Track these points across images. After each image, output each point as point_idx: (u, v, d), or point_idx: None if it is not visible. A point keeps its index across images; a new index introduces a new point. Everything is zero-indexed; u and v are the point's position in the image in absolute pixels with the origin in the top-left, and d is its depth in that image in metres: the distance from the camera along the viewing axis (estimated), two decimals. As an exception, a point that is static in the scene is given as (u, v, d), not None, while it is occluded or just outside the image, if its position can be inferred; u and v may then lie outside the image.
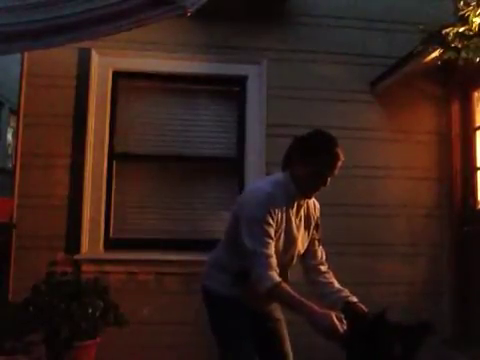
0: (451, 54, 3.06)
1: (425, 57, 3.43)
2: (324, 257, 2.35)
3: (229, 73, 4.22)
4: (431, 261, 4.18)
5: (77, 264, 3.69)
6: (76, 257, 3.78)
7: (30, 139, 3.90)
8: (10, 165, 8.09)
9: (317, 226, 2.32)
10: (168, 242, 4.01)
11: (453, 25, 3.02)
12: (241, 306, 2.19)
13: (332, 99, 4.20)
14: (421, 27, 3.25)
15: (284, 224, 2.12)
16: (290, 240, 2.17)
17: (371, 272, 4.03)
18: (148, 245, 4.00)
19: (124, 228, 4.07)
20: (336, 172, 2.11)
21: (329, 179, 2.11)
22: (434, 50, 3.26)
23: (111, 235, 3.99)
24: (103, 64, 4.04)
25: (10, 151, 9.36)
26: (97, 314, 3.29)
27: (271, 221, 2.05)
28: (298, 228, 2.20)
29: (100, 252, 3.90)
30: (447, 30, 3.03)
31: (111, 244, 3.96)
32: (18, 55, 3.98)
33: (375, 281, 4.03)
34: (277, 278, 1.99)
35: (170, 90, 4.28)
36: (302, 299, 1.99)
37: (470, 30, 2.96)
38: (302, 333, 3.52)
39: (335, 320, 1.88)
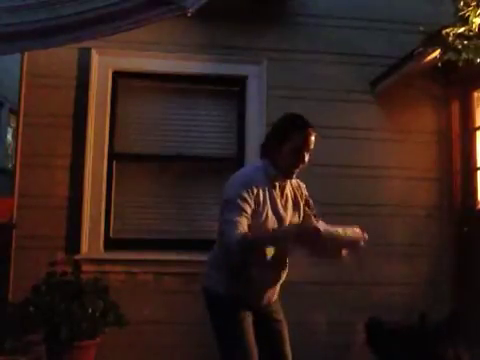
0: (451, 55, 3.06)
1: (425, 58, 3.43)
2: None
3: (229, 73, 4.22)
4: (431, 261, 4.19)
5: (77, 264, 3.69)
6: (76, 257, 3.78)
7: (30, 139, 3.90)
8: (10, 165, 8.08)
9: (308, 203, 2.36)
10: (168, 242, 4.02)
11: (453, 25, 3.02)
12: (240, 305, 2.19)
13: (332, 99, 4.20)
14: (421, 28, 3.25)
15: (269, 204, 2.17)
16: (279, 219, 2.20)
17: (371, 272, 4.04)
18: (148, 245, 4.00)
19: (124, 228, 4.07)
20: (311, 146, 2.18)
21: (306, 155, 2.18)
22: (434, 51, 3.27)
23: (111, 235, 3.99)
24: (103, 64, 4.04)
25: (10, 151, 9.34)
26: (97, 314, 3.29)
27: (247, 197, 2.08)
28: (285, 208, 2.24)
29: (100, 252, 3.90)
30: (447, 30, 3.03)
31: (111, 244, 3.96)
32: (18, 55, 3.97)
33: (375, 281, 4.04)
34: (241, 231, 1.99)
35: (170, 90, 4.28)
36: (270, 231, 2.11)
37: (470, 30, 2.96)
38: (305, 333, 3.52)
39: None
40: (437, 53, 3.25)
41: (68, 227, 3.86)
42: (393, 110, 4.28)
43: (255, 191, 2.11)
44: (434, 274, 4.17)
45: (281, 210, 2.21)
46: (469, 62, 3.04)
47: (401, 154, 4.23)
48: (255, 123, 4.14)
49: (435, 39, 3.20)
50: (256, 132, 4.11)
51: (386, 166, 4.20)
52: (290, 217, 2.26)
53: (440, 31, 3.09)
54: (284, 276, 2.29)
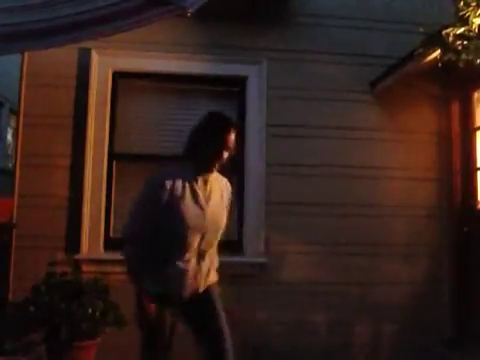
0: (451, 56, 3.06)
1: (425, 58, 3.43)
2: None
3: (229, 73, 4.22)
4: (431, 261, 4.19)
5: (77, 264, 3.69)
6: (76, 257, 3.78)
7: (30, 139, 3.90)
8: (10, 165, 8.08)
9: (228, 204, 2.46)
10: (168, 242, 4.01)
11: (453, 26, 3.02)
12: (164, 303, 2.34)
13: (332, 99, 4.20)
14: (421, 29, 3.25)
15: (189, 197, 2.27)
16: (200, 211, 2.29)
17: (371, 272, 4.04)
18: (148, 245, 3.99)
19: (124, 228, 4.06)
20: (230, 143, 2.30)
21: (225, 153, 2.29)
22: (434, 51, 3.26)
23: (111, 235, 3.99)
24: (103, 64, 4.04)
25: (10, 151, 9.35)
26: (97, 314, 3.29)
27: (152, 200, 2.24)
28: (207, 200, 2.33)
29: (100, 252, 3.90)
30: (447, 31, 3.02)
31: (111, 244, 3.95)
32: (18, 55, 3.97)
33: (375, 281, 4.04)
34: (131, 252, 2.28)
35: (170, 90, 4.28)
36: (137, 274, 2.33)
37: (470, 31, 2.95)
38: (305, 333, 3.52)
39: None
40: (437, 53, 3.25)
41: (68, 227, 3.86)
42: (393, 110, 4.28)
43: (169, 186, 2.23)
44: (434, 274, 4.17)
45: (202, 201, 2.30)
46: (469, 63, 3.03)
47: (401, 154, 4.23)
48: (255, 123, 4.14)
49: (435, 39, 3.19)
50: (256, 132, 4.12)
51: (386, 166, 4.20)
52: (215, 208, 2.34)
53: (440, 31, 3.09)
54: (205, 266, 2.35)
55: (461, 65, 3.06)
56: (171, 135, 4.21)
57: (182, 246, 2.26)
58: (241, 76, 4.22)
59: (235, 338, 2.29)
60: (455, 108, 4.23)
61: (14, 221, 3.80)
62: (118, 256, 3.86)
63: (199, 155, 2.33)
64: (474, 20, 2.92)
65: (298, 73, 4.21)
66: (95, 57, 4.02)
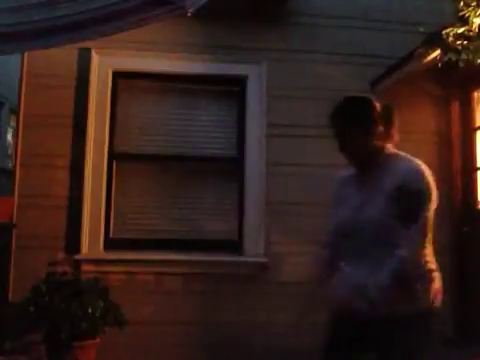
0: (452, 55, 3.06)
1: (425, 58, 3.43)
2: (401, 252, 1.88)
3: (229, 73, 4.22)
4: (431, 261, 4.18)
5: (77, 264, 3.69)
6: (76, 257, 3.79)
7: (30, 139, 3.90)
8: (10, 165, 8.09)
9: (397, 194, 1.92)
10: (168, 242, 4.02)
11: (453, 26, 3.02)
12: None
13: (332, 99, 4.16)
14: (421, 29, 3.25)
15: (349, 192, 2.12)
16: (350, 210, 2.01)
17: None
18: (148, 245, 4.00)
19: (124, 228, 4.07)
20: (336, 128, 2.22)
21: (338, 139, 2.20)
22: (434, 51, 3.27)
23: (111, 235, 3.99)
24: (103, 64, 4.04)
25: (10, 151, 9.36)
26: (97, 314, 3.29)
27: (333, 202, 2.22)
28: (367, 193, 2.00)
29: (100, 252, 3.90)
30: (447, 31, 3.03)
31: (111, 244, 3.96)
32: (18, 55, 3.98)
33: (375, 281, 4.03)
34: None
35: (170, 90, 4.28)
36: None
37: (470, 31, 2.96)
38: (304, 333, 3.50)
39: None
40: (437, 53, 3.25)
41: (68, 227, 3.86)
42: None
43: (337, 188, 2.26)
44: (434, 274, 4.16)
45: (355, 195, 2.05)
46: (469, 63, 3.04)
47: (401, 154, 4.23)
48: (255, 123, 4.14)
49: (435, 39, 3.20)
50: (256, 132, 4.12)
51: (386, 166, 4.19)
52: (365, 200, 1.98)
53: (440, 31, 3.09)
54: (372, 278, 1.89)
55: (461, 65, 3.06)
56: (171, 135, 4.22)
57: (338, 251, 2.06)
58: (241, 76, 4.22)
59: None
60: (455, 108, 4.23)
61: (14, 221, 3.80)
62: (118, 256, 3.92)
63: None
64: (474, 20, 2.93)
65: (298, 73, 4.21)
66: (95, 57, 4.02)
